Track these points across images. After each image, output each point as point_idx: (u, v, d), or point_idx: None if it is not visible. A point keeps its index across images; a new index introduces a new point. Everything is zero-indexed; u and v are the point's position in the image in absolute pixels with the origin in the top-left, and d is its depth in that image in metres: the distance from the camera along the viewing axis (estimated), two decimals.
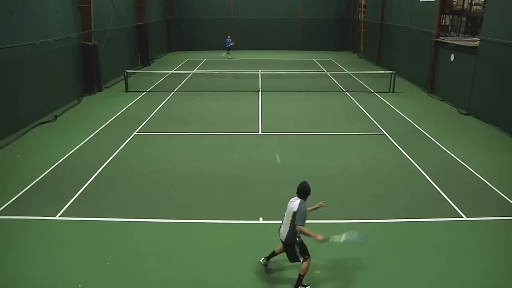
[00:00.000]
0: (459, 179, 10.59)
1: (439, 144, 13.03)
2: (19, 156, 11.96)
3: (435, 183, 10.23)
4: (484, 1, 17.83)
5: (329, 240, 6.25)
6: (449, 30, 21.90)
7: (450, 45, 18.57)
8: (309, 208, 6.34)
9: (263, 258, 6.87)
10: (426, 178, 10.55)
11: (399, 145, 12.88)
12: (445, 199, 9.45)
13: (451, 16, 22.69)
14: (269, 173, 10.64)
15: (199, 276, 6.82)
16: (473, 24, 21.22)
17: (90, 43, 19.15)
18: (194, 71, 25.61)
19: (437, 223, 8.52)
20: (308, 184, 6.30)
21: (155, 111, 16.77)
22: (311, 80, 23.22)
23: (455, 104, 17.81)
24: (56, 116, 15.82)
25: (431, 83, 20.51)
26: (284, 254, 6.68)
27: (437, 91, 20.03)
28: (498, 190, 9.89)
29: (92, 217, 8.62)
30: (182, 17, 37.76)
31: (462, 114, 16.79)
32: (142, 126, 14.79)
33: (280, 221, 6.56)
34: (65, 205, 9.01)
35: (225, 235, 8.02)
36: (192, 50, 37.25)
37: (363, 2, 33.93)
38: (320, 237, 6.13)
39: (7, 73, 13.35)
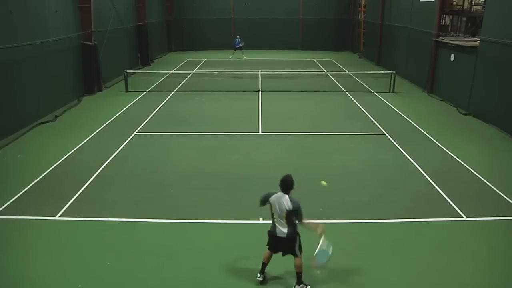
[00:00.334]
0: (459, 179, 10.59)
1: (439, 144, 13.03)
2: (19, 156, 11.95)
3: (435, 183, 10.23)
4: (484, 1, 17.83)
5: (320, 241, 6.24)
6: (449, 30, 21.90)
7: (450, 45, 18.56)
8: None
9: (258, 275, 6.61)
10: (426, 178, 10.55)
11: (399, 145, 12.88)
12: (445, 199, 9.45)
13: (451, 16, 22.68)
14: (269, 173, 10.62)
15: (199, 276, 6.82)
16: (473, 24, 21.22)
17: (90, 43, 19.14)
18: (194, 71, 25.61)
19: (437, 223, 8.52)
20: (292, 178, 6.26)
21: (155, 111, 16.77)
22: (311, 80, 23.22)
23: (455, 104, 17.81)
24: (56, 116, 15.82)
25: (431, 83, 20.51)
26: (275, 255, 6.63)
27: (437, 91, 20.03)
28: (498, 190, 9.89)
29: (92, 217, 8.62)
30: (182, 17, 37.76)
31: (462, 114, 16.79)
32: (142, 126, 14.79)
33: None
34: (65, 205, 9.01)
35: (225, 235, 8.02)
36: (192, 50, 37.24)
37: (363, 2, 33.93)
38: (320, 230, 6.18)
39: (7, 73, 13.35)
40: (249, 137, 13.88)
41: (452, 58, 18.47)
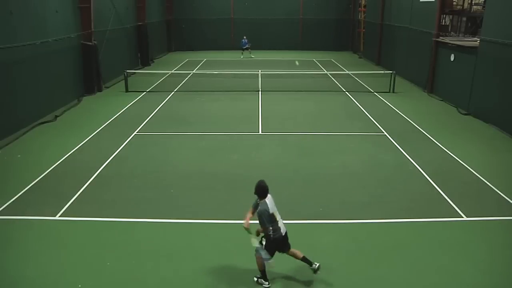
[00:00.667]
0: (459, 179, 10.59)
1: (439, 144, 13.03)
2: (19, 156, 11.96)
3: (435, 183, 10.23)
4: (484, 1, 17.83)
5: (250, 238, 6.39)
6: (449, 30, 21.90)
7: (450, 45, 18.56)
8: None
9: (267, 284, 6.58)
10: (426, 178, 10.55)
11: (399, 145, 12.88)
12: (445, 199, 9.46)
13: (451, 16, 22.69)
14: (269, 173, 10.63)
15: (199, 276, 6.82)
16: (473, 24, 21.22)
17: (90, 43, 19.15)
18: (194, 71, 25.61)
19: (437, 223, 8.52)
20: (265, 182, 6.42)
21: (155, 111, 16.78)
22: (311, 80, 23.23)
23: (455, 104, 17.82)
24: (56, 116, 15.82)
25: (431, 83, 20.51)
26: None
27: (437, 91, 20.03)
28: (498, 190, 9.89)
29: (92, 217, 8.62)
30: (182, 17, 37.76)
31: (462, 114, 16.79)
32: (142, 126, 14.79)
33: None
34: (65, 205, 9.01)
35: (225, 235, 8.02)
36: (192, 50, 37.25)
37: (363, 2, 33.93)
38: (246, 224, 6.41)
39: (7, 73, 13.35)
40: (249, 137, 13.88)
41: (452, 58, 18.47)
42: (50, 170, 10.87)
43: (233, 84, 21.73)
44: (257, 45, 35.94)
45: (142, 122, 15.19)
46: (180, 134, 14.05)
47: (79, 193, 9.61)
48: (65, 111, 16.68)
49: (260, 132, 14.33)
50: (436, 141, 13.33)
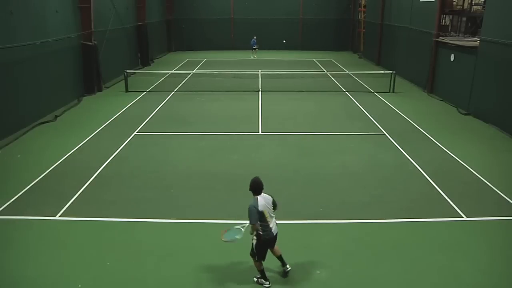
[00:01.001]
0: (459, 179, 10.59)
1: (439, 144, 13.03)
2: (19, 156, 11.96)
3: (435, 183, 10.23)
4: (484, 1, 17.83)
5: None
6: (449, 30, 21.90)
7: (450, 45, 18.56)
8: None
9: (267, 284, 6.59)
10: (426, 178, 10.55)
11: (399, 145, 12.88)
12: (445, 199, 9.45)
13: (451, 16, 22.69)
14: (269, 173, 10.62)
15: (199, 276, 6.82)
16: (473, 24, 21.22)
17: (90, 43, 19.15)
18: (194, 71, 25.61)
19: (437, 223, 8.52)
20: (260, 179, 6.45)
21: (155, 111, 16.78)
22: (311, 80, 23.23)
23: (455, 104, 17.81)
24: (56, 116, 15.82)
25: (431, 83, 20.51)
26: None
27: (437, 91, 20.03)
28: (498, 190, 9.89)
29: (92, 217, 8.62)
30: (182, 17, 37.77)
31: (462, 114, 16.79)
32: (142, 126, 14.79)
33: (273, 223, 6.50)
34: (65, 205, 9.01)
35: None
36: (192, 50, 37.26)
37: (363, 2, 33.93)
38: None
39: (7, 73, 13.35)
40: (249, 137, 13.88)
41: (452, 58, 18.47)
42: (50, 170, 10.87)
43: (233, 84, 21.73)
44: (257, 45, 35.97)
45: (142, 122, 15.19)
46: (180, 134, 14.05)
47: (79, 193, 9.61)
48: (65, 111, 16.68)
49: (260, 132, 14.33)
50: (436, 141, 13.33)
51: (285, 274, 6.77)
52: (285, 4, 37.81)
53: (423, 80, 21.19)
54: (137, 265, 7.08)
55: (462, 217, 8.70)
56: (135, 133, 14.02)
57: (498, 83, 14.98)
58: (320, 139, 13.67)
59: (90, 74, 19.42)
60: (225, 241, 6.49)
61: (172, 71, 25.41)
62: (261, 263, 6.52)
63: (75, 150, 12.33)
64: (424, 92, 20.78)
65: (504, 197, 9.56)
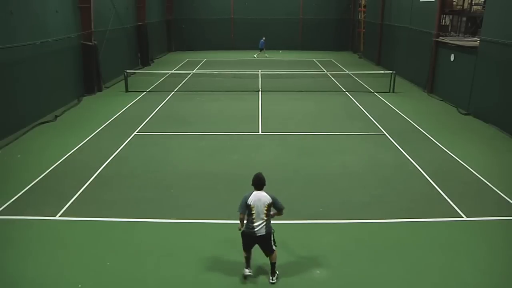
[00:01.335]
0: (459, 179, 10.59)
1: (439, 144, 13.03)
2: (19, 156, 11.95)
3: (435, 183, 10.23)
4: (484, 1, 17.83)
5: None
6: (449, 30, 21.90)
7: (450, 45, 18.57)
8: None
9: (248, 271, 6.70)
10: (426, 178, 10.55)
11: (399, 145, 12.88)
12: (445, 199, 9.45)
13: (451, 16, 22.69)
14: (269, 173, 10.55)
15: (199, 276, 6.82)
16: (473, 24, 21.22)
17: (90, 43, 19.15)
18: (194, 71, 25.61)
19: (437, 223, 8.52)
20: (263, 175, 6.54)
21: (155, 111, 16.77)
22: (311, 80, 23.23)
23: (455, 104, 17.81)
24: (56, 116, 15.82)
25: (431, 83, 20.51)
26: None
27: (437, 91, 20.03)
28: (498, 190, 9.89)
29: (92, 217, 8.62)
30: (182, 17, 37.77)
31: (462, 114, 16.79)
32: (142, 126, 14.79)
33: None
34: (65, 205, 9.01)
35: (225, 235, 8.01)
36: (192, 50, 37.26)
37: (363, 2, 33.93)
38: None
39: (7, 73, 13.35)
40: (249, 137, 13.87)
41: (452, 58, 18.47)
42: (50, 170, 10.86)
43: (233, 84, 21.73)
44: (257, 45, 35.90)
45: (142, 122, 15.19)
46: (180, 134, 14.04)
47: (79, 193, 9.61)
48: (65, 111, 16.68)
49: (260, 132, 14.33)
50: (436, 141, 13.33)
51: (270, 282, 6.65)
52: (285, 4, 37.80)
53: (423, 80, 21.19)
54: (137, 265, 7.08)
55: (462, 217, 8.70)
56: (135, 133, 14.01)
57: (498, 83, 14.98)
58: (320, 139, 13.67)
59: (90, 74, 19.42)
60: None
61: (172, 71, 25.41)
62: (245, 252, 6.67)
63: (75, 150, 12.33)
64: (424, 92, 20.78)
65: (504, 197, 9.56)
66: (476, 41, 17.12)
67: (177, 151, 12.47)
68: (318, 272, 6.90)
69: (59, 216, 8.61)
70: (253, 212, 6.35)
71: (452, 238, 7.97)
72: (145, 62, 28.38)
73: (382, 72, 23.58)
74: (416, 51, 22.45)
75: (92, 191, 9.78)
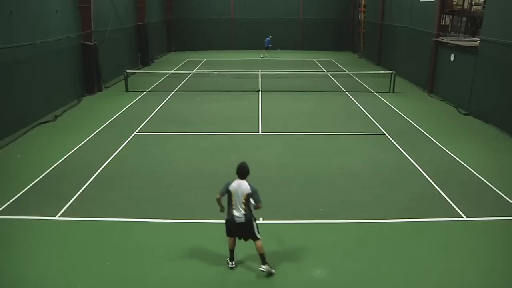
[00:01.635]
0: (459, 179, 10.59)
1: (439, 144, 13.03)
2: (19, 156, 11.96)
3: (435, 183, 10.23)
4: (484, 1, 17.83)
5: None
6: (449, 30, 21.90)
7: (450, 45, 18.56)
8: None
9: (230, 263, 6.94)
10: (426, 178, 10.55)
11: (399, 145, 12.88)
12: (445, 199, 9.45)
13: (451, 16, 22.70)
14: (269, 173, 10.64)
15: (198, 276, 6.82)
16: (473, 24, 21.22)
17: (90, 43, 19.15)
18: (194, 71, 25.62)
19: (437, 223, 8.52)
20: (247, 164, 6.61)
21: (155, 111, 16.77)
22: (311, 80, 23.23)
23: (455, 104, 17.81)
24: (56, 116, 15.82)
25: (431, 83, 20.51)
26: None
27: (437, 91, 20.03)
28: (498, 190, 9.89)
29: (92, 217, 8.62)
30: (182, 17, 37.77)
31: (462, 114, 16.79)
32: (142, 126, 14.79)
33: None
34: (65, 205, 9.01)
35: (225, 235, 7.99)
36: (192, 50, 37.25)
37: (363, 2, 33.92)
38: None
39: (7, 73, 13.35)
40: (249, 137, 13.87)
41: (452, 58, 18.47)
42: (50, 170, 10.86)
43: (233, 84, 21.73)
44: (257, 45, 35.97)
45: (142, 122, 15.19)
46: (180, 134, 14.05)
47: (79, 193, 9.61)
48: (65, 111, 16.68)
49: (260, 132, 14.33)
50: (436, 141, 13.33)
51: (263, 271, 6.77)
52: (285, 4, 37.80)
53: (423, 80, 21.19)
54: (137, 265, 7.08)
55: (462, 217, 8.70)
56: (135, 133, 14.01)
57: (498, 83, 14.98)
58: (320, 139, 13.67)
59: (90, 74, 19.42)
60: None
61: (172, 71, 25.41)
62: (230, 241, 6.85)
63: (75, 150, 12.33)
64: (424, 92, 20.78)
65: (504, 197, 9.56)
66: (476, 41, 17.11)
67: (177, 151, 12.47)
68: (318, 272, 6.90)
69: (59, 216, 8.61)
70: (233, 198, 6.53)
71: (452, 238, 7.97)
72: (145, 62, 28.38)
73: (382, 72, 23.59)
74: (416, 51, 22.45)
75: (92, 191, 9.78)
